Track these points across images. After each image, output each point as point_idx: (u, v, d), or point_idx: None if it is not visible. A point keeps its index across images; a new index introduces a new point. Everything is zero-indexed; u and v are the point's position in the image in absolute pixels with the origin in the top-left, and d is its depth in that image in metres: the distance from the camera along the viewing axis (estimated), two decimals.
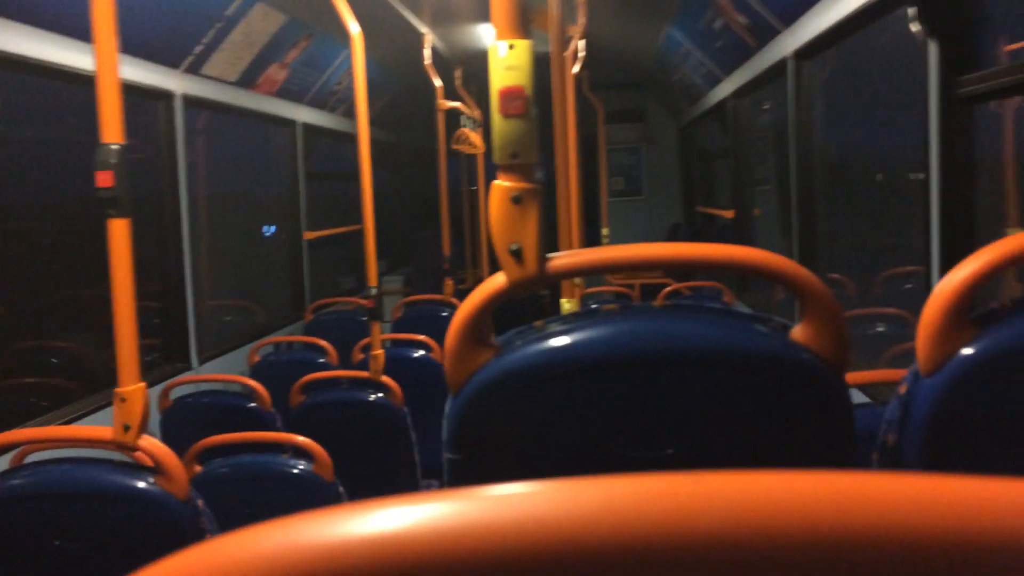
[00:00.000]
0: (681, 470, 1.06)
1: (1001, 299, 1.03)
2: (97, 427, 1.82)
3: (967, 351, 1.00)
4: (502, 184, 1.07)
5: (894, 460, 1.09)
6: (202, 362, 4.35)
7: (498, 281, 1.09)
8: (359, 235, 7.34)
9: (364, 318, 5.46)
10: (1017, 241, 1.00)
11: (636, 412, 1.07)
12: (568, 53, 4.72)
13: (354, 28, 3.60)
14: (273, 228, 6.47)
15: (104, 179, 1.70)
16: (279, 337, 5.00)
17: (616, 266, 1.09)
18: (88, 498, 1.77)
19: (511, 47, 1.06)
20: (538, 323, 1.11)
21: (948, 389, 1.01)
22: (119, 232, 1.75)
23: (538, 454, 1.10)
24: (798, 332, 1.05)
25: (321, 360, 4.40)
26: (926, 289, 2.40)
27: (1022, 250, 0.99)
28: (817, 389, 1.05)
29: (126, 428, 1.75)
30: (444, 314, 5.55)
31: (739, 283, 5.47)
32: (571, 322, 1.09)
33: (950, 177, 2.25)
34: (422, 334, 4.73)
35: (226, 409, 3.62)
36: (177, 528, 1.77)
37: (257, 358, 4.56)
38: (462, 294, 6.46)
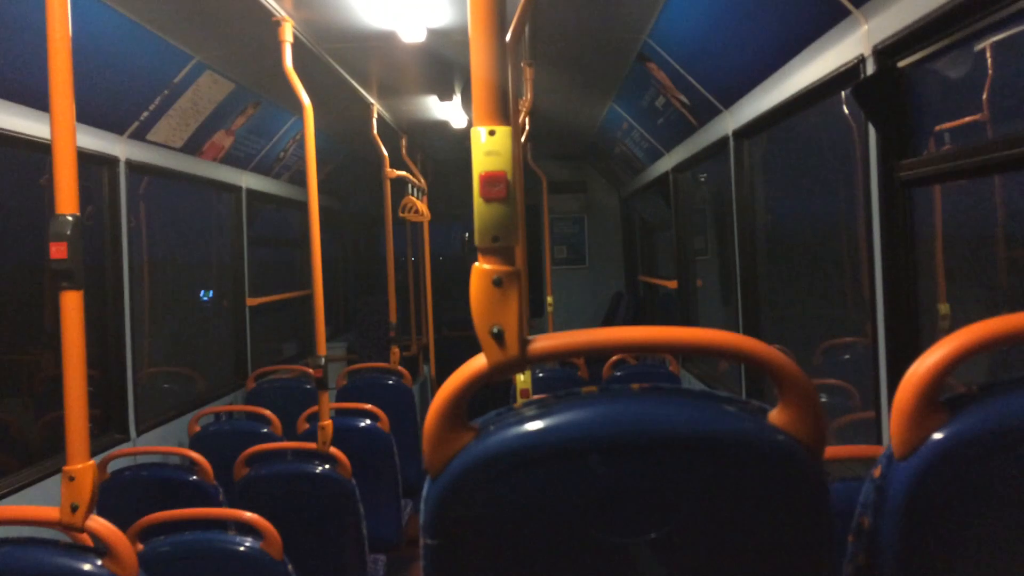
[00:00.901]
0: (663, 555, 1.05)
1: (969, 384, 1.07)
2: (42, 507, 1.73)
3: (939, 435, 1.03)
4: (483, 267, 1.08)
5: (870, 542, 1.10)
6: (140, 433, 4.20)
7: (479, 363, 1.09)
8: (300, 301, 7.27)
9: (308, 386, 5.36)
10: (984, 327, 1.04)
11: (617, 496, 1.06)
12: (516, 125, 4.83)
13: (306, 100, 3.62)
14: (211, 293, 6.35)
15: (58, 251, 1.66)
16: (220, 407, 4.86)
17: (596, 349, 1.10)
18: None
19: (491, 133, 1.08)
20: (516, 405, 1.10)
21: (922, 473, 1.03)
22: (71, 304, 1.70)
23: (518, 540, 1.09)
24: (775, 415, 1.06)
25: (264, 430, 4.29)
26: (872, 361, 2.47)
27: (989, 336, 1.03)
28: (795, 471, 1.06)
29: (74, 508, 1.67)
30: (390, 382, 5.49)
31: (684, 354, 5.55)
32: (550, 405, 1.09)
33: (891, 255, 2.34)
34: (368, 403, 4.66)
35: (166, 483, 3.49)
36: None
37: (198, 428, 4.42)
38: (407, 362, 6.41)
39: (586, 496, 1.07)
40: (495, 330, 1.06)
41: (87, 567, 1.69)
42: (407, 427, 5.31)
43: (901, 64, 2.28)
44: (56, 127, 1.69)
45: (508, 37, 2.93)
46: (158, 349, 5.30)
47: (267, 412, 4.41)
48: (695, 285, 5.70)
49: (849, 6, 2.44)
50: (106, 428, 4.05)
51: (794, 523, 1.09)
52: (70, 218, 1.68)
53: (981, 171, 2.08)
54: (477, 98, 1.08)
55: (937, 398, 1.04)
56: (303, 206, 7.25)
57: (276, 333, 7.27)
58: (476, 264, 1.09)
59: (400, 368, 5.60)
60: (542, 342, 1.07)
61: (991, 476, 1.03)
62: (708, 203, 6.22)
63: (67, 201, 1.68)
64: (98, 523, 1.71)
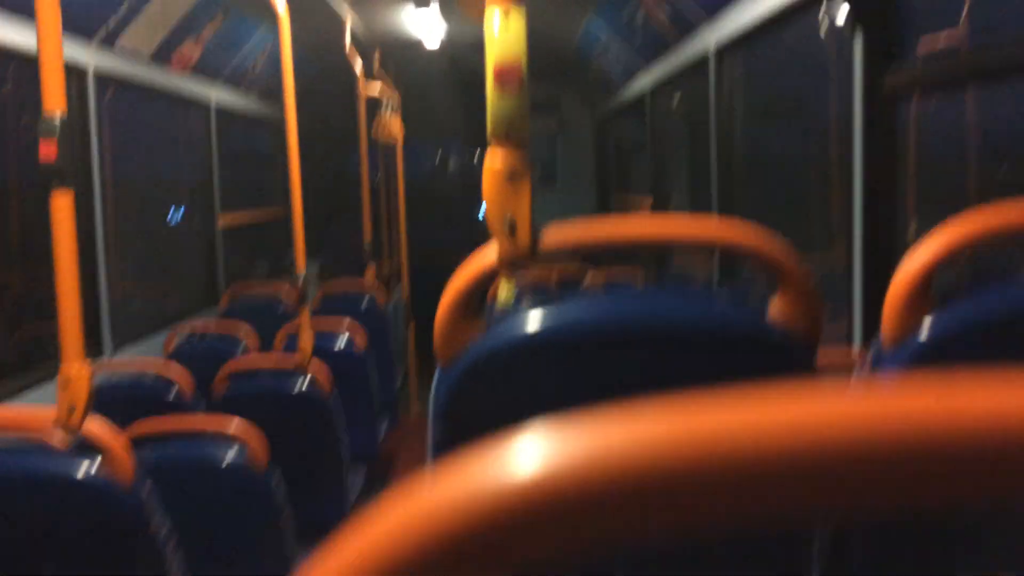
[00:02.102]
0: None
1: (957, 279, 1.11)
2: (38, 408, 1.74)
3: (925, 328, 1.08)
4: (495, 159, 1.09)
5: None
6: (116, 348, 4.19)
7: (489, 256, 1.10)
8: (271, 220, 7.19)
9: (283, 305, 5.36)
10: (969, 224, 1.08)
11: (622, 387, 1.10)
12: None
13: (280, 8, 3.52)
14: (180, 213, 6.25)
15: (47, 150, 1.63)
16: (197, 323, 4.85)
17: (607, 241, 1.13)
18: (27, 485, 1.70)
19: (506, 16, 1.07)
20: (526, 301, 1.13)
21: (908, 362, 1.09)
22: (63, 205, 1.68)
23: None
24: (774, 306, 1.10)
25: (241, 347, 4.31)
26: (847, 272, 2.52)
27: (975, 233, 1.07)
28: (789, 364, 1.11)
29: (70, 410, 1.68)
30: (364, 302, 5.50)
31: (656, 274, 5.62)
32: (556, 301, 1.12)
33: (874, 167, 2.38)
34: (341, 320, 4.68)
35: (146, 397, 3.50)
36: (123, 516, 1.72)
37: (173, 346, 4.42)
38: (383, 282, 6.41)
39: (591, 386, 1.11)
40: (508, 222, 1.08)
41: (84, 469, 1.71)
42: (382, 346, 5.34)
43: None
44: (42, 26, 1.63)
45: None
46: (129, 268, 5.24)
47: (243, 329, 4.42)
48: (669, 204, 5.74)
49: None
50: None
51: None
52: (59, 116, 1.65)
53: (971, 77, 2.10)
54: None
55: (927, 291, 1.09)
56: (274, 123, 7.11)
57: (248, 253, 7.21)
58: (488, 155, 1.10)
59: (374, 288, 5.60)
60: (554, 234, 1.09)
61: (972, 366, 1.08)
62: (685, 123, 6.21)
63: (55, 99, 1.65)
64: (95, 425, 1.73)
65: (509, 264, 1.09)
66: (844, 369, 1.51)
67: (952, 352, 1.08)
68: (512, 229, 1.08)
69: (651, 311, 1.09)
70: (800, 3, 2.94)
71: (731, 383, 1.08)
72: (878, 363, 1.12)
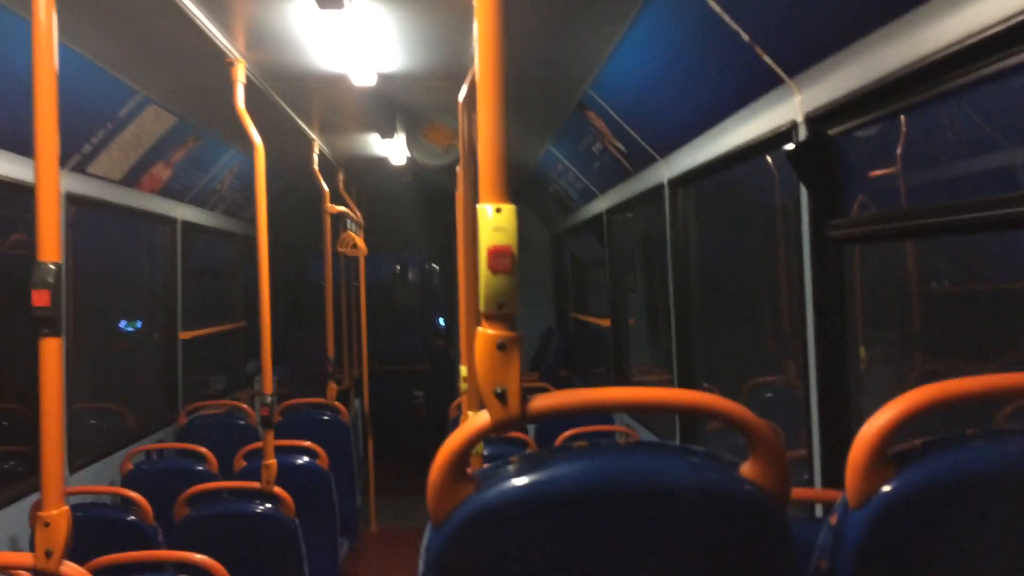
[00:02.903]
0: None
1: (913, 440, 1.22)
2: (17, 553, 1.73)
3: (888, 487, 1.17)
4: (487, 332, 1.18)
5: None
6: (72, 472, 4.10)
7: (482, 420, 1.18)
8: (230, 334, 7.17)
9: (241, 422, 5.31)
10: (927, 391, 1.19)
11: (607, 544, 1.17)
12: (459, 166, 4.94)
13: (257, 139, 3.66)
14: (138, 324, 6.23)
15: (40, 298, 1.68)
16: (153, 444, 4.78)
17: (589, 407, 1.21)
18: None
19: (498, 210, 1.18)
20: (513, 459, 1.20)
21: (874, 521, 1.17)
22: (51, 351, 1.72)
23: None
24: (746, 468, 1.19)
25: (200, 468, 4.25)
26: (805, 405, 2.64)
27: (931, 399, 1.18)
28: (762, 520, 1.19)
29: (48, 554, 1.68)
30: (326, 417, 5.48)
31: (616, 378, 5.71)
32: (545, 458, 1.20)
33: (822, 307, 2.53)
34: (304, 439, 4.66)
35: (103, 523, 3.42)
36: None
37: (131, 466, 4.35)
38: (340, 396, 6.39)
39: (578, 543, 1.17)
40: (498, 390, 1.16)
41: None
42: (344, 464, 5.30)
43: (831, 132, 2.48)
44: (41, 176, 1.72)
45: (464, 88, 3.06)
46: (85, 383, 5.18)
47: (203, 450, 4.37)
48: (627, 323, 5.89)
49: (783, 75, 2.64)
50: (35, 467, 3.93)
51: (762, 567, 1.21)
52: (52, 266, 1.71)
53: (904, 233, 2.28)
54: (484, 177, 1.19)
55: (886, 453, 1.18)
56: (237, 238, 7.20)
57: (204, 367, 7.15)
58: (480, 329, 1.19)
59: (337, 403, 5.59)
60: (541, 400, 1.17)
61: (935, 523, 1.17)
62: (639, 243, 6.43)
63: (50, 248, 1.71)
64: (72, 569, 1.73)
65: (501, 427, 1.17)
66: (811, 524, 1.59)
67: (912, 510, 1.17)
68: (503, 397, 1.16)
69: (634, 470, 1.17)
70: (745, 149, 3.15)
71: (712, 539, 1.16)
72: (844, 520, 1.20)
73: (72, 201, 4.14)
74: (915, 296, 3.55)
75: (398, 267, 10.51)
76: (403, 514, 7.34)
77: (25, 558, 1.70)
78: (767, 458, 1.18)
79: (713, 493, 1.18)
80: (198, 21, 3.02)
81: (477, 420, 1.18)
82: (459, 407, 5.45)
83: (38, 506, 3.37)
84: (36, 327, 1.70)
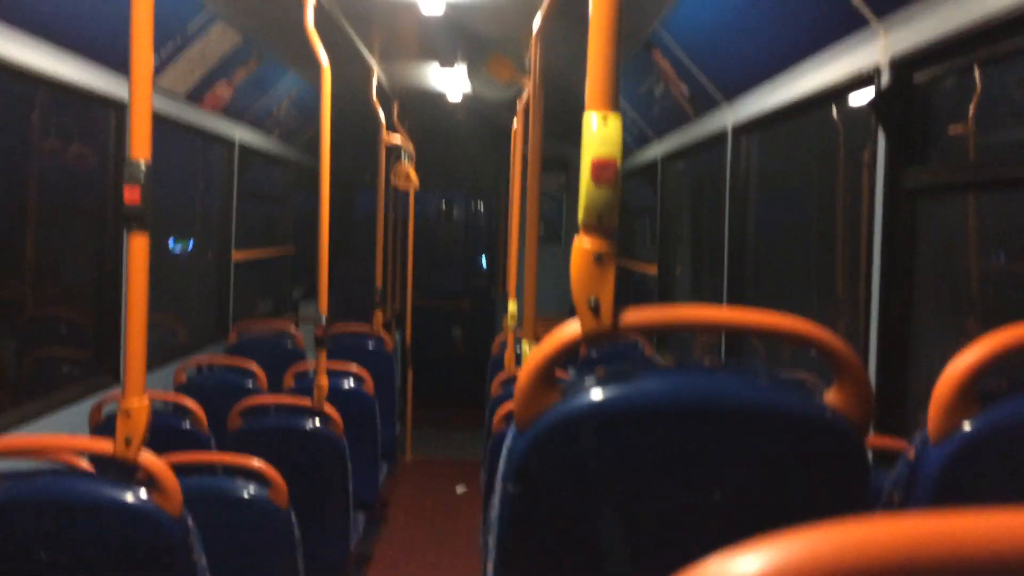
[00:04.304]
0: (722, 515, 1.19)
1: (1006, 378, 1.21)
2: (97, 439, 1.81)
3: (971, 424, 1.17)
4: (584, 243, 1.19)
5: None
6: None
7: (573, 330, 1.20)
8: (277, 258, 7.27)
9: (289, 343, 5.42)
10: (1020, 331, 1.18)
11: (688, 459, 1.19)
12: (520, 104, 4.91)
13: (324, 61, 3.65)
14: (189, 245, 6.33)
15: (132, 195, 1.72)
16: (206, 357, 4.90)
17: (682, 324, 1.22)
18: (80, 510, 1.75)
19: (605, 120, 1.18)
20: (599, 370, 1.22)
21: (954, 457, 1.18)
22: (139, 247, 1.77)
23: (595, 493, 1.21)
24: (831, 395, 1.20)
25: (249, 383, 4.35)
26: (863, 355, 2.62)
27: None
28: (842, 448, 1.20)
29: (128, 441, 1.75)
30: (371, 345, 5.56)
31: (658, 340, 5.71)
32: (630, 372, 1.21)
33: (892, 261, 2.50)
34: (350, 365, 4.74)
35: (159, 429, 3.52)
36: (170, 545, 1.78)
37: (183, 378, 4.47)
38: (384, 327, 6.48)
39: (660, 457, 1.19)
40: (592, 301, 1.18)
41: (136, 499, 1.77)
42: (386, 391, 5.40)
43: (917, 77, 2.42)
44: (135, 78, 1.74)
45: (539, 18, 3.02)
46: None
47: (253, 366, 4.47)
48: (675, 271, 5.87)
49: (869, 15, 2.57)
50: (97, 371, 4.07)
51: (837, 494, 1.23)
52: (144, 163, 1.74)
53: (986, 185, 2.23)
54: (593, 85, 1.19)
55: (973, 391, 1.18)
56: (289, 163, 7.25)
57: (252, 290, 7.28)
58: (577, 240, 1.20)
59: (383, 332, 5.67)
60: (634, 314, 1.18)
61: (1017, 463, 1.18)
62: (691, 193, 6.37)
63: (141, 147, 1.75)
64: (149, 458, 1.79)
65: (591, 339, 1.18)
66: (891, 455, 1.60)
67: (995, 449, 1.17)
68: (596, 308, 1.17)
69: (720, 389, 1.19)
70: (818, 96, 3.09)
71: (791, 462, 1.18)
72: (923, 455, 1.21)
73: None
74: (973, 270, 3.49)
75: (444, 204, 10.54)
76: (438, 445, 7.49)
77: (105, 445, 1.76)
78: (852, 387, 1.18)
79: (795, 417, 1.19)
80: None
81: (568, 329, 1.20)
82: (502, 344, 5.51)
83: (99, 408, 3.52)
84: (126, 223, 1.74)
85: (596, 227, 1.18)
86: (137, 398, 1.77)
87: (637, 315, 1.19)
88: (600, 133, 1.16)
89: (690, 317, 1.22)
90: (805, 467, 1.21)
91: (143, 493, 1.78)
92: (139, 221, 1.72)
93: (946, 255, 3.52)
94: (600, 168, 1.15)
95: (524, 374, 1.19)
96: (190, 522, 1.84)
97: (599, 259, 1.18)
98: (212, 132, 5.28)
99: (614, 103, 1.18)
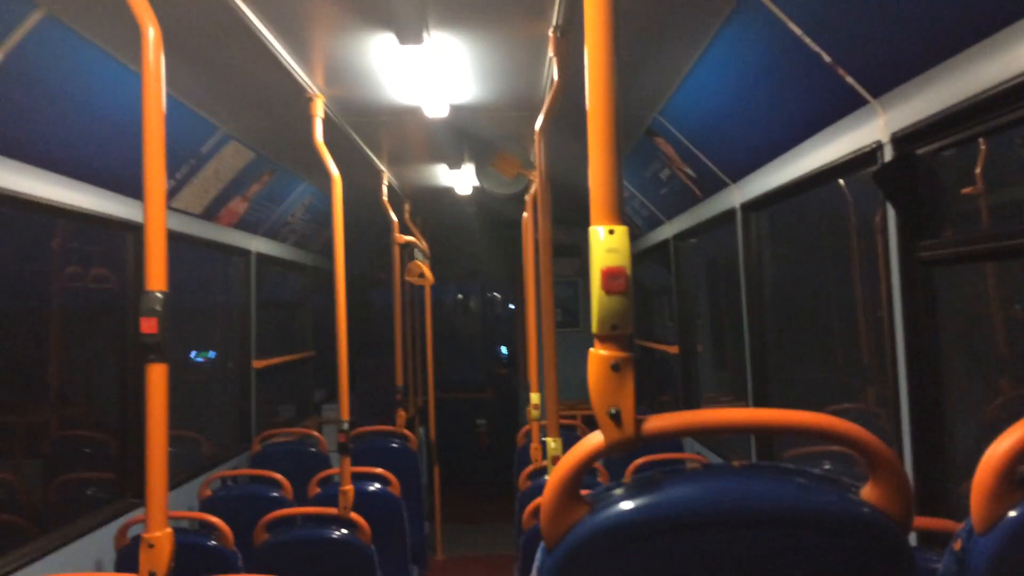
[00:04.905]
0: None
1: None
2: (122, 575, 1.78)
3: (1016, 512, 1.13)
4: (600, 352, 1.18)
5: None
6: None
7: (596, 440, 1.18)
8: (297, 364, 7.29)
9: (313, 449, 5.38)
10: None
11: (725, 568, 1.15)
12: (529, 197, 4.98)
13: (335, 171, 3.74)
14: (211, 354, 6.37)
15: (148, 325, 1.74)
16: (230, 471, 4.87)
17: (706, 428, 1.20)
18: None
19: (611, 232, 1.19)
20: (627, 480, 1.19)
21: (1002, 547, 1.13)
22: (157, 376, 1.77)
23: None
24: (867, 492, 1.16)
25: (275, 494, 4.31)
26: (896, 436, 2.57)
27: None
28: (884, 547, 1.16)
29: (152, 575, 1.72)
30: (395, 445, 5.51)
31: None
32: (658, 480, 1.19)
33: (914, 331, 2.47)
34: (375, 466, 4.70)
35: (185, 548, 3.47)
36: None
37: (208, 492, 4.43)
38: (407, 424, 6.44)
39: (696, 568, 1.15)
40: (613, 411, 1.16)
41: None
42: (413, 491, 5.33)
43: (920, 151, 2.44)
44: (149, 212, 1.78)
45: (541, 117, 3.09)
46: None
47: (279, 476, 4.43)
48: (695, 349, 5.82)
49: (867, 96, 2.61)
50: (122, 493, 4.04)
51: None
52: (159, 295, 1.77)
53: (1000, 255, 2.22)
54: (596, 200, 1.20)
55: (1015, 476, 1.15)
56: (306, 268, 7.35)
57: (274, 396, 7.28)
58: (593, 350, 1.19)
59: (406, 431, 5.63)
60: (655, 422, 1.17)
61: None
62: (705, 269, 6.38)
63: (157, 278, 1.77)
64: None
65: (615, 449, 1.16)
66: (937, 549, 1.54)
67: None
68: (617, 417, 1.16)
69: (755, 493, 1.15)
70: (824, 172, 3.11)
71: (832, 565, 1.13)
72: (970, 545, 1.16)
73: None
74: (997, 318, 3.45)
75: (461, 296, 10.60)
76: (468, 542, 7.33)
77: None
78: (889, 482, 1.15)
79: (833, 517, 1.15)
80: (282, 59, 3.12)
81: (591, 441, 1.18)
82: (527, 435, 5.44)
83: (124, 531, 3.48)
84: (143, 354, 1.75)
85: (611, 336, 1.18)
86: (160, 529, 1.75)
87: (660, 422, 1.17)
88: (607, 243, 1.17)
89: (715, 420, 1.20)
90: (848, 568, 1.17)
91: None
92: (157, 352, 1.73)
93: (970, 317, 3.49)
94: (610, 278, 1.16)
95: (549, 490, 1.17)
96: None
97: (616, 367, 1.17)
98: (228, 244, 5.37)
99: (618, 216, 1.19)
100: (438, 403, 7.66)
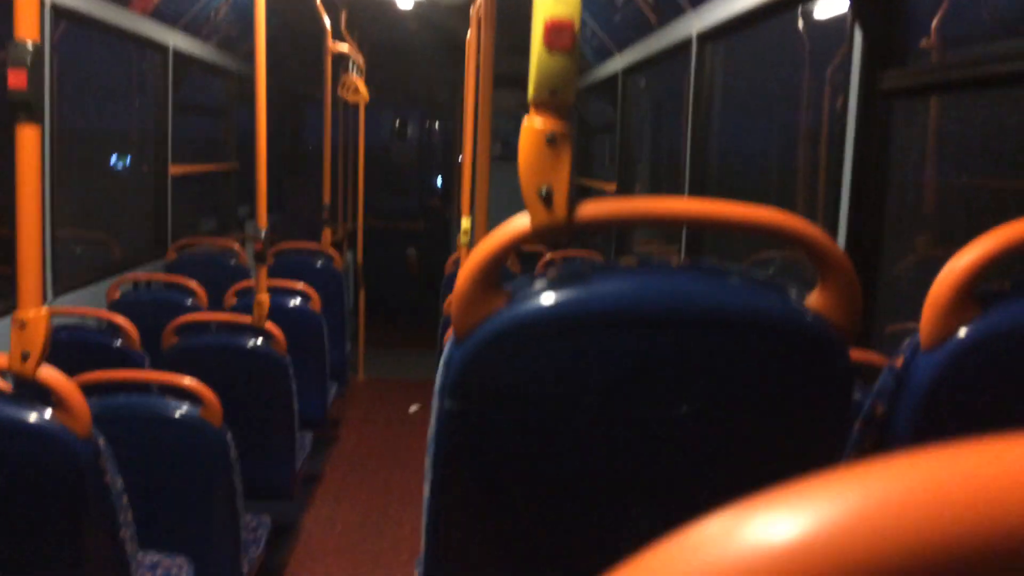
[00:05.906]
0: (691, 430, 1.04)
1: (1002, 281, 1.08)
2: None
3: (968, 329, 1.04)
4: (535, 122, 1.02)
5: (881, 429, 1.12)
6: (56, 295, 3.98)
7: (521, 224, 1.03)
8: (220, 176, 6.96)
9: (232, 261, 5.19)
10: (1020, 229, 1.04)
11: (651, 370, 1.05)
12: (474, 10, 4.62)
13: None
14: (128, 160, 5.99)
15: (17, 79, 1.49)
16: (143, 274, 4.66)
17: (644, 217, 1.06)
18: None
19: None
20: (551, 272, 1.06)
21: (948, 364, 1.05)
22: (29, 139, 1.54)
23: (543, 408, 1.06)
24: (813, 298, 1.06)
25: (188, 302, 4.15)
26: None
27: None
28: (823, 356, 1.07)
29: (25, 356, 1.56)
30: (319, 264, 5.36)
31: (616, 253, 5.60)
32: (586, 273, 1.06)
33: (863, 169, 2.37)
34: (297, 282, 4.56)
35: (89, 346, 3.34)
36: (77, 467, 1.62)
37: (117, 295, 4.24)
38: (335, 247, 6.26)
39: (617, 369, 1.05)
40: (544, 191, 1.01)
41: (37, 417, 1.60)
42: (335, 310, 5.22)
43: None
44: None
45: None
46: (71, 214, 5.00)
47: (192, 283, 4.26)
48: (634, 189, 5.71)
49: None
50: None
51: (819, 406, 1.10)
52: (30, 44, 1.51)
53: (969, 85, 2.09)
54: None
55: (971, 293, 1.05)
56: (230, 75, 6.87)
57: (195, 207, 6.97)
58: (527, 119, 1.03)
59: (331, 250, 5.46)
60: (592, 206, 1.02)
61: (1015, 371, 1.06)
62: (651, 109, 6.18)
63: (28, 26, 1.51)
64: (50, 373, 1.61)
65: (543, 235, 1.02)
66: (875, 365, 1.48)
67: (992, 356, 1.05)
68: (548, 198, 1.01)
69: (689, 292, 1.04)
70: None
71: (765, 371, 1.03)
72: (912, 362, 1.08)
73: (59, 15, 3.83)
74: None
75: (397, 122, 10.19)
76: (391, 365, 7.36)
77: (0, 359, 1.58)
78: (839, 289, 1.04)
79: (772, 321, 1.05)
80: None
81: (515, 224, 1.03)
82: (456, 262, 5.34)
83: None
84: (12, 112, 1.52)
85: (549, 103, 1.01)
86: (34, 308, 1.58)
87: (596, 207, 1.02)
88: None
89: (657, 209, 1.06)
90: (783, 377, 1.08)
91: (47, 412, 1.61)
92: (28, 109, 1.50)
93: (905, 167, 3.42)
94: (554, 31, 0.97)
95: (463, 276, 1.03)
96: (101, 443, 1.67)
97: (552, 140, 1.01)
98: (142, 36, 4.92)
99: None
100: (369, 230, 7.48)
